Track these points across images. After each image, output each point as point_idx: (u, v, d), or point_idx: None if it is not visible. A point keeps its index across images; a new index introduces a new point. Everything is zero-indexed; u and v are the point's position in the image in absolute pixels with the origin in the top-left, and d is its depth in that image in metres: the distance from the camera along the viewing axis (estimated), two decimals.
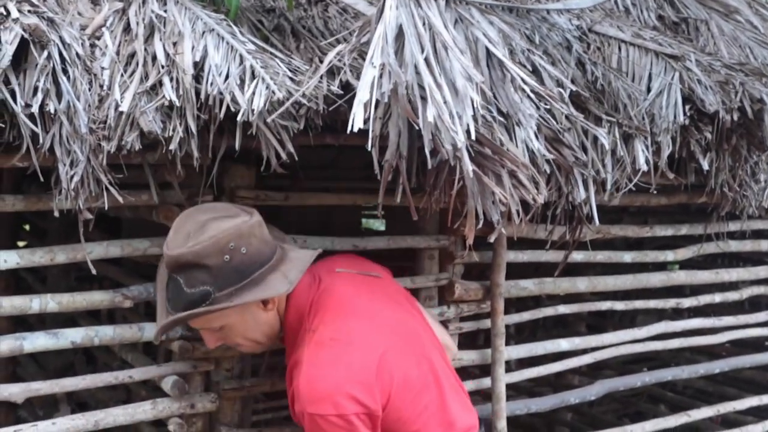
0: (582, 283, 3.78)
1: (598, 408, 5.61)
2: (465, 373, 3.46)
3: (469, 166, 2.40)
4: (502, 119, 2.67)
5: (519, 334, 5.66)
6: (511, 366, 3.96)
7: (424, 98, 2.39)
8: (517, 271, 3.68)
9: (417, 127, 2.42)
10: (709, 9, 4.59)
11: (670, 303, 4.18)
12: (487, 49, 2.74)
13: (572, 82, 3.23)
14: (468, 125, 2.41)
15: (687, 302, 4.26)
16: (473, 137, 2.44)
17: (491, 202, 2.54)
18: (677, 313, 4.90)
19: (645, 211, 4.65)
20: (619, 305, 4.04)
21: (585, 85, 3.34)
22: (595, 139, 3.08)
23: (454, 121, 2.37)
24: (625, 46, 3.64)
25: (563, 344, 3.74)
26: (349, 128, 2.29)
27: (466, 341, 3.51)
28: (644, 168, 3.19)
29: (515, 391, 4.90)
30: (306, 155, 2.72)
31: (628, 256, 3.95)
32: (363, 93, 2.32)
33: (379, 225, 6.19)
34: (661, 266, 4.99)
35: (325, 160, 4.08)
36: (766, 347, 4.70)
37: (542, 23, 3.51)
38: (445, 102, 2.40)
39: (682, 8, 4.49)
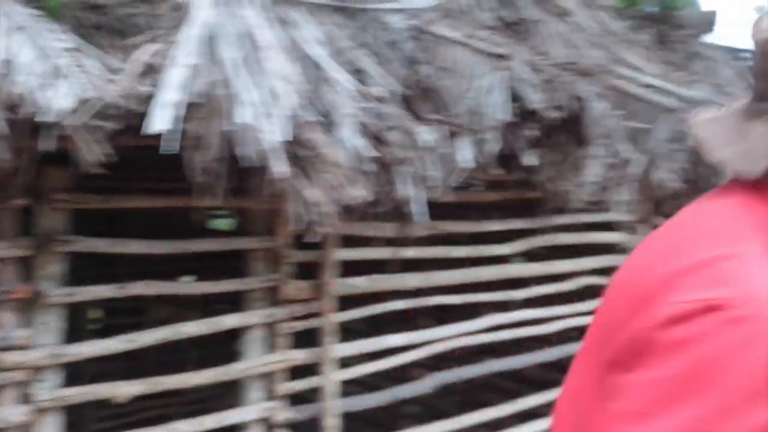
0: (414, 279, 3.83)
1: (450, 398, 5.70)
2: (298, 372, 3.46)
3: (279, 168, 2.40)
4: (323, 119, 2.68)
5: (361, 330, 5.66)
6: (352, 362, 3.96)
7: (237, 99, 2.38)
8: (358, 269, 3.69)
9: (233, 129, 2.40)
10: (545, 10, 4.72)
11: (498, 296, 4.26)
12: (309, 50, 2.75)
13: (402, 81, 3.27)
14: (282, 127, 2.40)
15: (520, 294, 4.36)
16: (288, 138, 2.44)
17: (308, 201, 2.55)
18: (526, 305, 4.96)
19: (483, 206, 4.72)
20: (454, 299, 4.11)
21: (415, 84, 3.38)
22: (422, 137, 3.12)
23: (267, 122, 2.37)
24: (457, 46, 3.70)
25: (395, 340, 3.77)
26: (144, 129, 2.25)
27: (301, 341, 3.49)
28: (470, 165, 3.26)
29: (361, 386, 4.92)
30: (134, 156, 2.65)
31: (461, 251, 4.02)
32: (167, 94, 2.28)
33: (226, 225, 6.11)
34: (507, 260, 5.09)
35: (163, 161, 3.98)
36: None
37: (374, 23, 3.52)
38: (258, 103, 2.38)
39: (519, 9, 4.60)
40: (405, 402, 5.59)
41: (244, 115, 2.34)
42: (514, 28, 4.49)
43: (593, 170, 3.82)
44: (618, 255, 4.79)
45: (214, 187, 2.55)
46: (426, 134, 3.03)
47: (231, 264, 3.48)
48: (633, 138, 4.19)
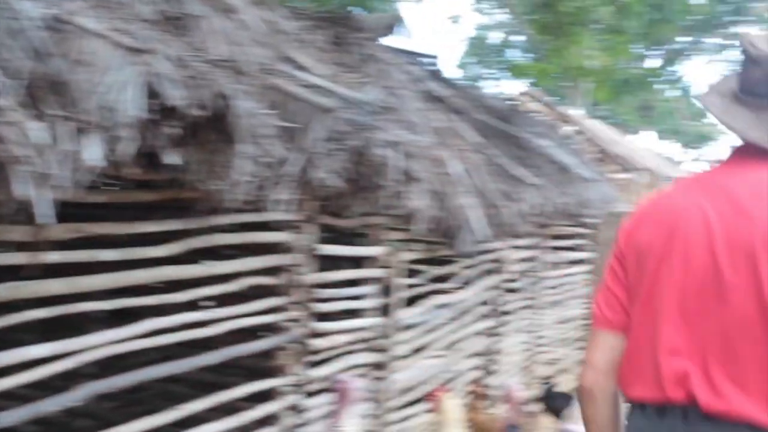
0: (57, 285, 3.60)
1: (129, 409, 5.49)
2: None
3: None
4: None
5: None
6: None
7: None
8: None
9: None
10: (210, 7, 4.65)
11: (149, 300, 4.13)
12: None
13: (25, 73, 3.05)
14: None
15: (178, 297, 4.25)
16: None
17: None
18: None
19: (139, 207, 4.53)
20: (103, 305, 3.93)
21: (41, 77, 3.17)
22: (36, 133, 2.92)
23: None
24: (97, 39, 3.53)
25: (37, 351, 3.52)
26: None
27: None
28: (100, 163, 3.10)
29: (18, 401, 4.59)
30: None
31: (111, 254, 3.82)
32: None
33: None
34: (176, 261, 4.95)
35: None
36: (263, 335, 4.86)
37: None
38: None
39: (182, 4, 4.49)
40: (76, 415, 5.33)
41: None
42: (175, 23, 4.38)
43: (244, 169, 3.78)
44: (282, 254, 4.81)
45: None
46: (41, 131, 2.83)
47: None
48: (290, 137, 4.21)
